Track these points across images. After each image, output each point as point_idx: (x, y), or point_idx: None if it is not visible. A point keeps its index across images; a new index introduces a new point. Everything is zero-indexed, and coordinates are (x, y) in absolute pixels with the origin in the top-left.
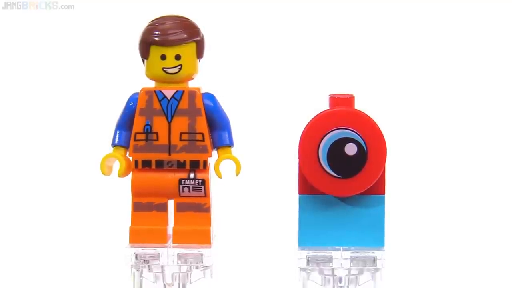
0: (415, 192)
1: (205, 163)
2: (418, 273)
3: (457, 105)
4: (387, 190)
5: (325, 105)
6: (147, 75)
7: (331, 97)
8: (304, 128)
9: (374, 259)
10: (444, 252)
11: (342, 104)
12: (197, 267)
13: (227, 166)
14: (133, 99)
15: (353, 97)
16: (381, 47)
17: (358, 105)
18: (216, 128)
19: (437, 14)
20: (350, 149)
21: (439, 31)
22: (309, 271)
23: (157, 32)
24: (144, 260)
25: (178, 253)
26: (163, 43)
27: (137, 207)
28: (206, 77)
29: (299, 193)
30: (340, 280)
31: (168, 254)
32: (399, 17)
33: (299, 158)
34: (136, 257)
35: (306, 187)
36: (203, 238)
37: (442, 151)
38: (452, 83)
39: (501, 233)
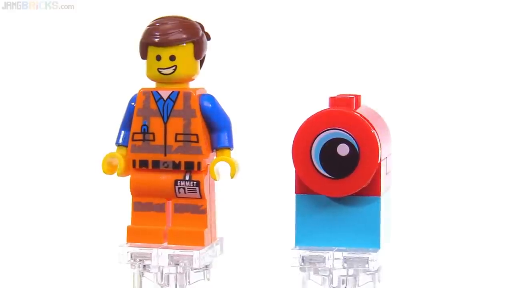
0: (418, 192)
1: (200, 164)
2: (419, 274)
3: (461, 106)
4: (390, 190)
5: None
6: (147, 76)
7: (330, 97)
8: (298, 129)
9: (367, 260)
10: (445, 253)
11: (340, 105)
12: (191, 269)
13: (227, 168)
14: (134, 99)
15: (352, 98)
16: (386, 46)
17: (367, 104)
18: (215, 129)
19: (442, 13)
20: (342, 150)
21: (444, 30)
22: (304, 270)
23: (153, 33)
24: (140, 260)
25: (168, 254)
26: (158, 44)
27: (136, 207)
28: (211, 78)
29: (296, 193)
30: (332, 280)
31: (158, 255)
32: (402, 16)
33: (292, 158)
34: (131, 256)
35: (303, 187)
36: (197, 239)
37: (447, 151)
38: (457, 84)
39: (503, 236)
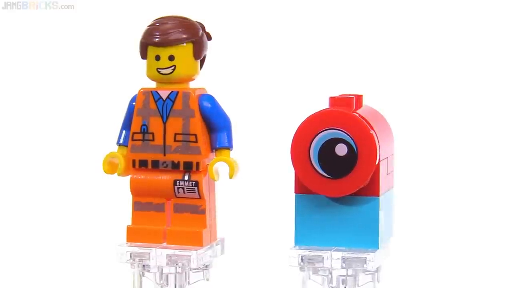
0: (420, 192)
1: (198, 164)
2: (419, 274)
3: (463, 106)
4: (392, 190)
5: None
6: (146, 76)
7: (330, 97)
8: (297, 128)
9: (365, 260)
10: (446, 253)
11: (340, 105)
12: (190, 269)
13: (226, 168)
14: (134, 99)
15: (352, 98)
16: (389, 46)
17: (369, 104)
18: (214, 130)
19: (444, 13)
20: (341, 150)
21: (446, 30)
22: (303, 270)
23: (153, 33)
24: (139, 259)
25: (167, 254)
26: (157, 44)
27: (137, 206)
28: (211, 78)
29: (296, 193)
30: (331, 280)
31: (157, 254)
32: (406, 16)
33: (291, 158)
34: (130, 256)
35: (303, 187)
36: (196, 239)
37: (450, 151)
38: (460, 84)
39: (504, 236)
